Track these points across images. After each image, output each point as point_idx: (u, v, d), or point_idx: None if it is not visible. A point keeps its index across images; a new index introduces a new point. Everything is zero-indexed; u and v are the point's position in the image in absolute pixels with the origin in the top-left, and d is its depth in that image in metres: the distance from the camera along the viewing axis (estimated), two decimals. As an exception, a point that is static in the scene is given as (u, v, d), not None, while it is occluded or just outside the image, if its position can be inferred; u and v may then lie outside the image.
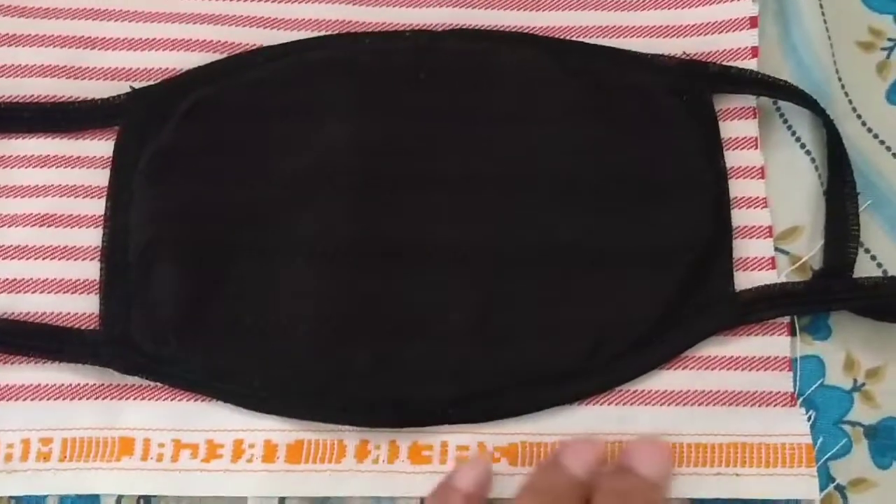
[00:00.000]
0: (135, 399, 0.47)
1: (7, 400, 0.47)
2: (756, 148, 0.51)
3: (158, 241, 0.48)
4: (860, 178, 0.50)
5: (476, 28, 0.53)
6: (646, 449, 0.42)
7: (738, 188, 0.50)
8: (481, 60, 0.51)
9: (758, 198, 0.50)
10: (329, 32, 0.53)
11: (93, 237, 0.49)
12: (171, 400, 0.47)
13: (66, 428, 0.46)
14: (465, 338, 0.47)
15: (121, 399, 0.47)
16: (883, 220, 0.51)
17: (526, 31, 0.53)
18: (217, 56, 0.52)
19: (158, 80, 0.51)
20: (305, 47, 0.52)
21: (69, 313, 0.48)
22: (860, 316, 0.48)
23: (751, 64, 0.52)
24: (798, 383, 0.47)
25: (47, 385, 0.47)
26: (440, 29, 0.52)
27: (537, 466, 0.45)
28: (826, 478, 0.46)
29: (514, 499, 0.41)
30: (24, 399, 0.47)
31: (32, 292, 0.48)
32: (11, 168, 0.50)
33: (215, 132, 0.50)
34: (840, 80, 0.53)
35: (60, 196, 0.50)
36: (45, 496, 0.46)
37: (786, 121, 0.52)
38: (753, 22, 0.53)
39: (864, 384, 0.48)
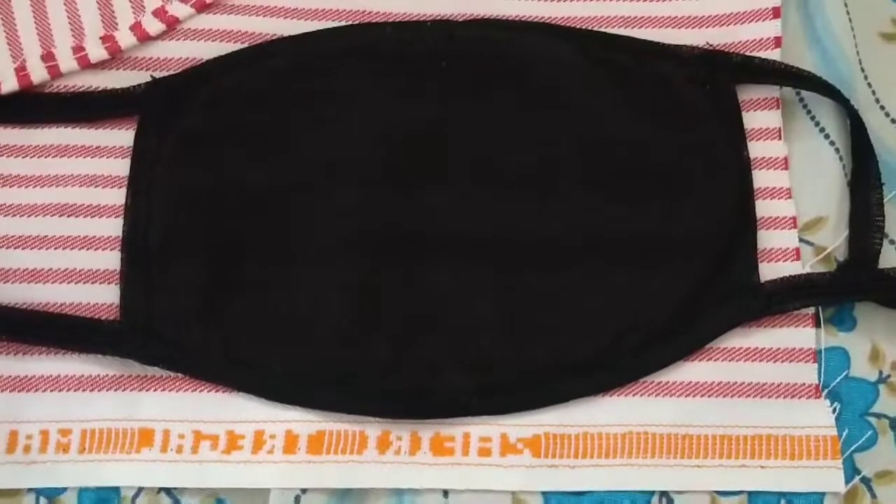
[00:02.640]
0: (154, 390, 0.47)
1: (26, 391, 0.47)
2: (779, 138, 0.50)
3: (179, 229, 0.48)
4: (884, 169, 0.49)
5: (498, 17, 0.52)
6: None
7: (761, 179, 0.49)
8: (503, 50, 0.51)
9: (781, 188, 0.49)
10: (349, 22, 0.52)
11: (113, 227, 0.48)
12: (192, 391, 0.46)
13: (86, 419, 0.46)
14: (487, 329, 0.47)
15: (140, 390, 0.47)
16: (907, 211, 0.50)
17: (548, 20, 0.53)
18: (237, 46, 0.51)
19: (178, 70, 0.51)
20: (326, 37, 0.52)
21: (89, 303, 0.48)
22: (885, 307, 0.48)
23: (774, 54, 0.51)
24: (823, 375, 0.47)
25: (66, 376, 0.47)
26: (461, 19, 0.52)
27: None
28: (851, 470, 0.46)
29: None
30: (44, 390, 0.47)
31: (52, 282, 0.48)
32: (31, 158, 0.50)
33: (235, 121, 0.50)
34: (863, 70, 0.52)
35: (80, 186, 0.49)
36: (65, 488, 0.45)
37: (809, 111, 0.52)
38: (776, 12, 0.52)
39: (889, 375, 0.48)
